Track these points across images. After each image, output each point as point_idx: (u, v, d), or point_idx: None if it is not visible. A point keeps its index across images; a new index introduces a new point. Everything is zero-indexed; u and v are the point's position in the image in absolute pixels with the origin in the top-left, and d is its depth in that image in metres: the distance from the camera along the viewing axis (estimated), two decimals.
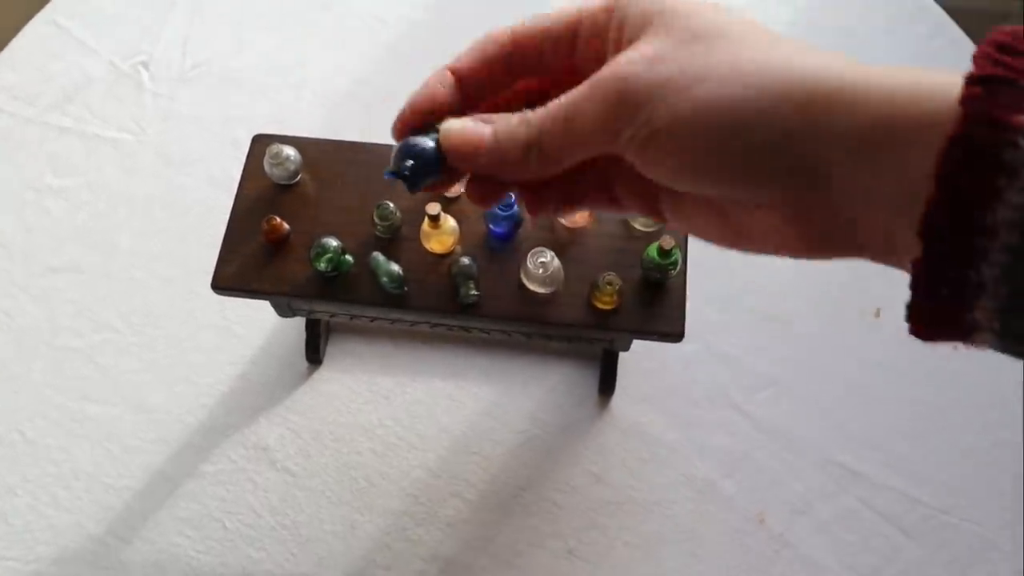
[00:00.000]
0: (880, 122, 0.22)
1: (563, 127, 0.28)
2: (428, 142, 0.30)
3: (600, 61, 0.28)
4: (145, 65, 0.85)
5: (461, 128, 0.29)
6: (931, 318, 0.22)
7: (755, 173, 0.25)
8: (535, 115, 0.28)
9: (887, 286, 0.70)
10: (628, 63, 0.26)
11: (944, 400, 0.70)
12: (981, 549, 0.65)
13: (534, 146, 0.28)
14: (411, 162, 0.29)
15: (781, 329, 0.73)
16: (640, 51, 0.26)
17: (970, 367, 0.71)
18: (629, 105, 0.26)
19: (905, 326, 0.23)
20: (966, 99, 0.20)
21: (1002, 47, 0.21)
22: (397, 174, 0.29)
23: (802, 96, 0.24)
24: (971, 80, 0.20)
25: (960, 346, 0.22)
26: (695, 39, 0.26)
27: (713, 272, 0.73)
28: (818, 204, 0.25)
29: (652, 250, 0.54)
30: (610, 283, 0.54)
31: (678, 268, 0.55)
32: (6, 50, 0.85)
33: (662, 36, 0.26)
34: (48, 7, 0.88)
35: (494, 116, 0.30)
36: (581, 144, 0.28)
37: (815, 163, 0.24)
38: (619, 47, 0.28)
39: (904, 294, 0.22)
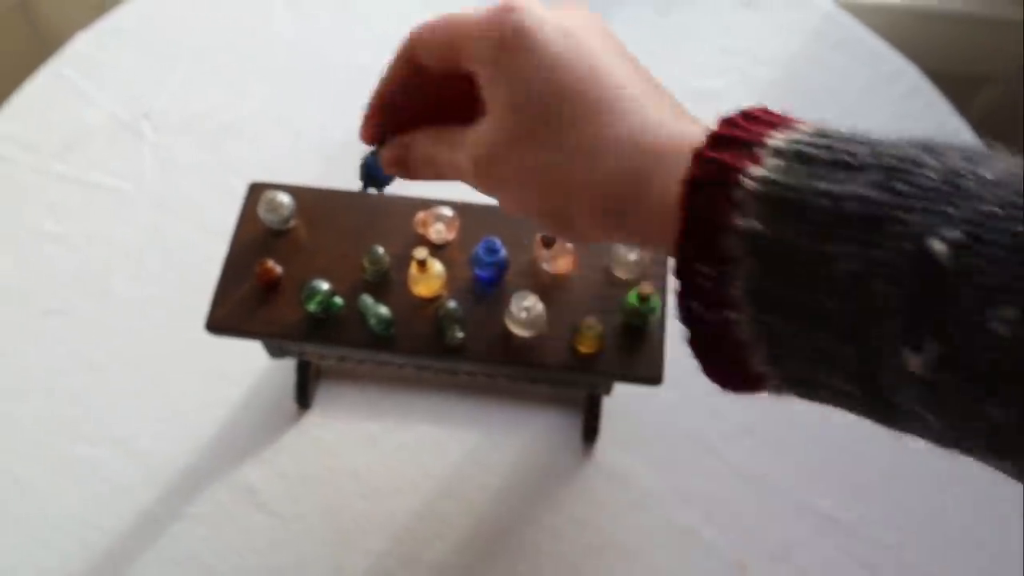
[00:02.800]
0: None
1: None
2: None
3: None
4: (146, 115, 0.87)
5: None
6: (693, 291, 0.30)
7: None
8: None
9: None
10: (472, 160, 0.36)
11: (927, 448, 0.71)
12: None
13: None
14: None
15: None
16: (483, 142, 0.35)
17: None
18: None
19: None
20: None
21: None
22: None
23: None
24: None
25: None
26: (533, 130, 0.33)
27: None
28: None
29: (632, 296, 0.56)
30: (591, 327, 0.55)
31: (657, 313, 0.57)
32: (10, 100, 0.88)
33: (500, 119, 0.34)
34: (54, 59, 0.91)
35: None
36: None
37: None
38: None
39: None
